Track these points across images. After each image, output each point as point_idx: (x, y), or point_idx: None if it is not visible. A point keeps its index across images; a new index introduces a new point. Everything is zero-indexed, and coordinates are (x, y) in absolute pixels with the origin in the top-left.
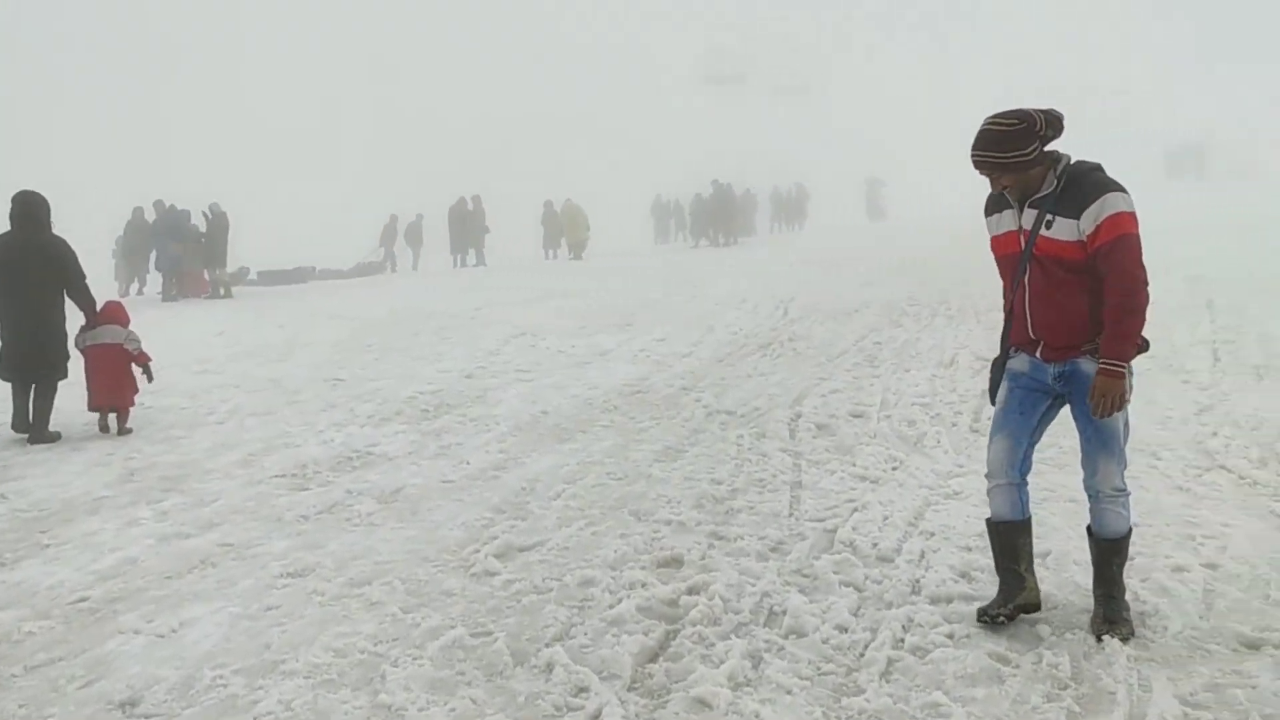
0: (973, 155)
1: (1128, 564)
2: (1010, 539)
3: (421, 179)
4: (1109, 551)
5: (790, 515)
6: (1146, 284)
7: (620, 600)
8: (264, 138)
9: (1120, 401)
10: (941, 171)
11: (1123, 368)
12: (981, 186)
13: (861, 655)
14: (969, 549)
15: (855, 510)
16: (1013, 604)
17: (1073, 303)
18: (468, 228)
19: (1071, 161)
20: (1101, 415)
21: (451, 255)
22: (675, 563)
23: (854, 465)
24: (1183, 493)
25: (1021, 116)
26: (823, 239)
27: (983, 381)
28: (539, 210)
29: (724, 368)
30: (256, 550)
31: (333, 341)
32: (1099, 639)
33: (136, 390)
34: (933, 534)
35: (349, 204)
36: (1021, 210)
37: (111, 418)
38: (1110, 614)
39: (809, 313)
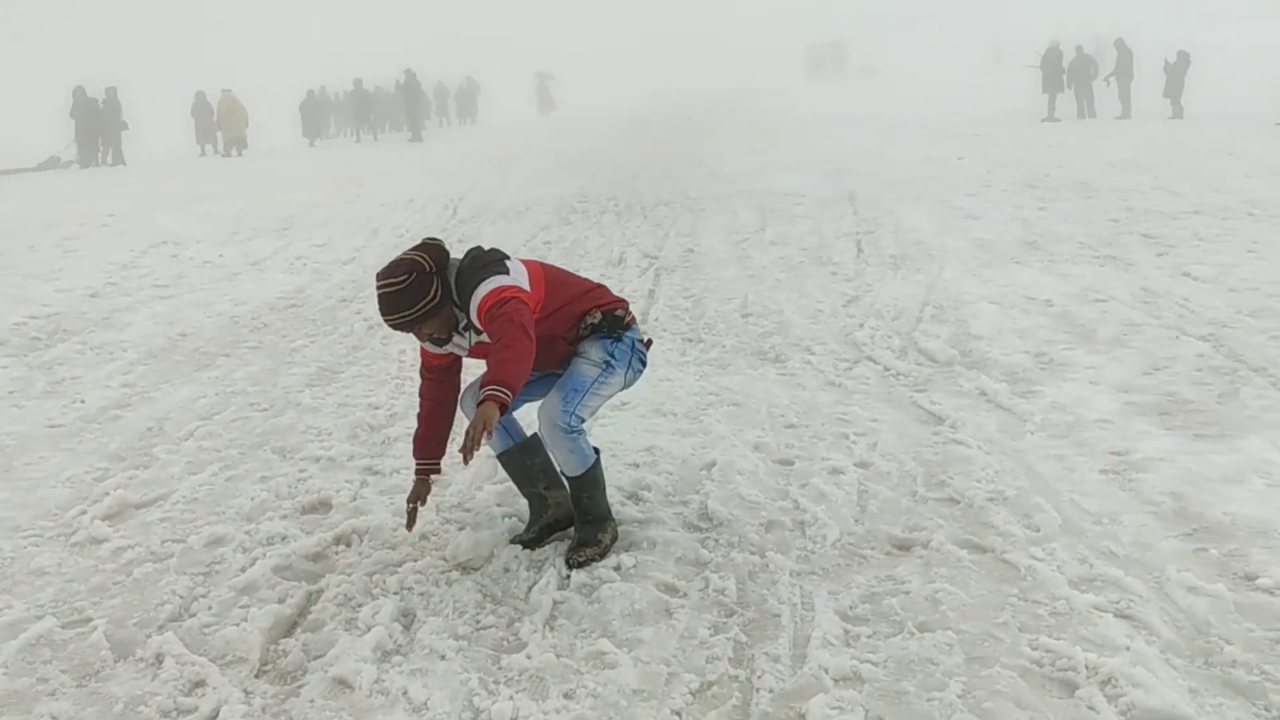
0: (385, 320)
1: (789, 468)
2: (512, 466)
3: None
4: (574, 486)
5: (451, 441)
6: (522, 333)
7: (254, 561)
8: None
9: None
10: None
11: (506, 395)
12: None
13: (525, 600)
14: (636, 465)
15: None
16: (539, 525)
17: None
18: (100, 124)
19: (453, 280)
20: (470, 446)
21: (79, 155)
22: (323, 507)
23: None
24: (835, 388)
25: (409, 268)
26: (494, 134)
27: (650, 280)
28: (188, 102)
29: None
30: None
31: None
32: (568, 566)
33: None
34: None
35: None
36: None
37: None
38: (580, 538)
39: (480, 213)
